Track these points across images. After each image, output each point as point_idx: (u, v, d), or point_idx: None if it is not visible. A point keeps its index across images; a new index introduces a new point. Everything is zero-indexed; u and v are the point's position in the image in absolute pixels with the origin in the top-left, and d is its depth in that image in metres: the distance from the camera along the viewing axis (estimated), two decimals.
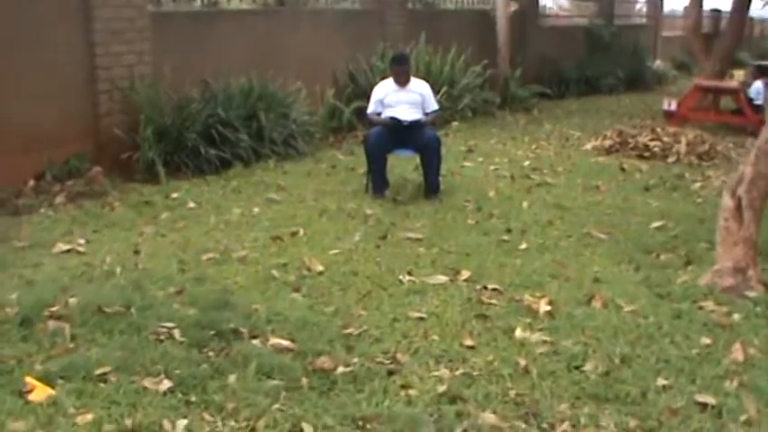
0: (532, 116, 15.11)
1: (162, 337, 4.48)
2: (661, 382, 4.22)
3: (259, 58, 11.07)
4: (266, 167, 9.43)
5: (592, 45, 20.67)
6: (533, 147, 11.64)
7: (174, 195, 8.08)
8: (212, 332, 4.58)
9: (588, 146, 11.75)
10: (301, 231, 6.85)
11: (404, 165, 9.24)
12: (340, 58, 12.78)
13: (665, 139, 11.30)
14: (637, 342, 4.72)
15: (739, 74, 15.55)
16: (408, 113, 8.24)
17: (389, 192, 8.23)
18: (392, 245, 6.59)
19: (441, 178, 8.45)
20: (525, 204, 8.08)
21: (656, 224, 7.45)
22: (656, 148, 11.08)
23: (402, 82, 8.35)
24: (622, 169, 10.11)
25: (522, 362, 4.38)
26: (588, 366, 4.36)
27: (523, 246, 6.65)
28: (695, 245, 6.83)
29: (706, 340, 4.77)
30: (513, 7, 17.02)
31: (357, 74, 12.84)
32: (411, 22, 14.39)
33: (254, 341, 4.55)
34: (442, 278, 5.76)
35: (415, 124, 8.14)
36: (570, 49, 19.70)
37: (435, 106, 8.66)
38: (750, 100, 14.78)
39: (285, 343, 4.52)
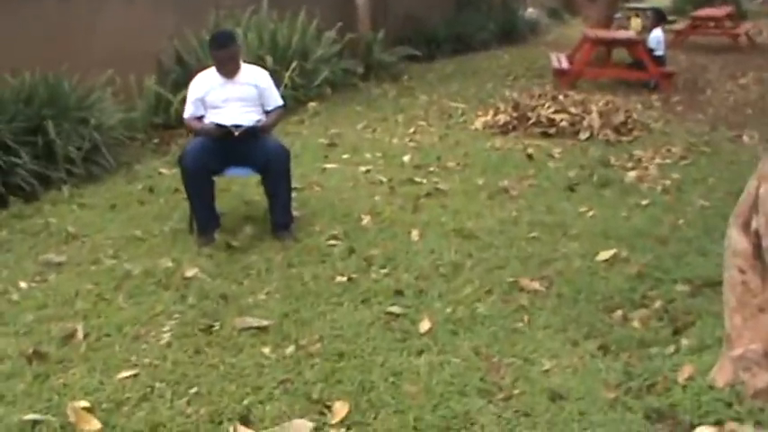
0: (403, 85, 12.79)
1: None
2: None
3: (52, 46, 8.45)
4: (58, 199, 6.81)
5: None
6: (411, 130, 9.31)
7: None
8: None
9: (478, 123, 9.52)
10: (80, 331, 4.30)
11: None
12: (163, 35, 10.17)
13: (572, 109, 9.16)
14: None
15: (636, 21, 13.59)
16: (241, 115, 5.81)
17: (220, 232, 5.75)
18: (221, 345, 4.13)
19: (294, 196, 6.07)
20: (415, 234, 5.73)
21: (605, 254, 5.23)
22: (563, 123, 8.93)
23: (229, 72, 5.87)
24: (529, 157, 7.91)
25: None
26: None
27: (425, 325, 4.28)
28: (671, 289, 4.68)
29: None
30: None
31: (186, 54, 10.25)
32: None
33: None
34: (303, 426, 3.39)
35: (252, 131, 5.72)
36: (437, 3, 17.43)
37: (279, 101, 6.18)
38: (650, 51, 12.87)
39: None
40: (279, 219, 5.76)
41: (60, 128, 7.30)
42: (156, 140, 9.03)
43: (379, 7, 14.64)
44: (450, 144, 8.58)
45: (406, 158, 7.92)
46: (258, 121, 5.87)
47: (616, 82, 12.87)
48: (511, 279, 4.88)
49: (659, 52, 13.06)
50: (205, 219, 5.74)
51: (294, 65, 10.60)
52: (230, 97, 5.87)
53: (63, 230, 6.03)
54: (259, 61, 10.50)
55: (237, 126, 5.67)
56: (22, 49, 8.04)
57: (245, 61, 6.20)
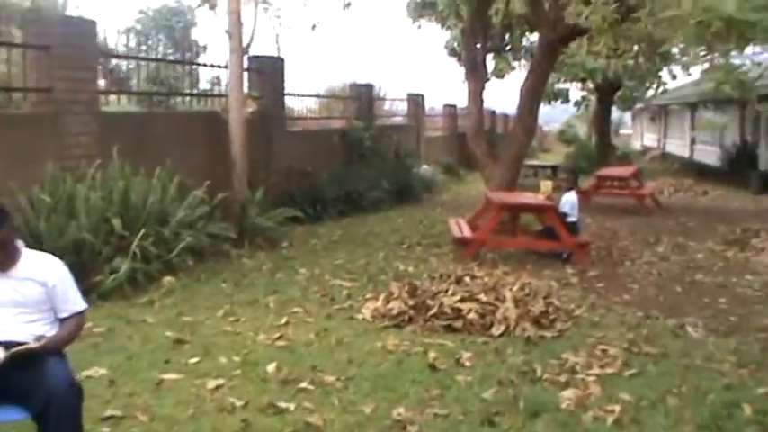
0: (281, 254, 10.95)
1: None
2: None
3: None
4: None
5: (350, 152, 17.05)
6: (283, 320, 7.41)
7: None
8: None
9: (366, 311, 7.71)
10: None
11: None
12: None
13: (482, 296, 7.44)
14: None
15: (547, 185, 12.19)
16: (14, 328, 3.93)
17: None
18: None
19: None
20: None
21: None
22: (471, 314, 7.18)
23: None
24: (432, 367, 6.08)
25: None
26: None
27: None
28: None
29: None
30: (251, 108, 13.09)
31: (13, 215, 8.22)
32: (105, 130, 10.02)
33: None
34: None
35: (27, 355, 3.80)
36: (325, 158, 15.91)
37: (77, 305, 4.26)
38: (563, 216, 11.45)
39: None
40: None
41: None
42: None
43: (259, 162, 13.02)
44: (331, 344, 6.69)
45: (271, 368, 5.95)
46: (40, 337, 3.95)
47: (524, 253, 11.37)
48: None
49: (572, 218, 11.64)
50: None
51: (143, 232, 8.73)
52: (0, 299, 3.97)
53: None
54: (105, 225, 8.69)
55: (7, 344, 3.77)
56: None
57: (28, 247, 4.31)
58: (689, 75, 31.43)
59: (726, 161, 26.57)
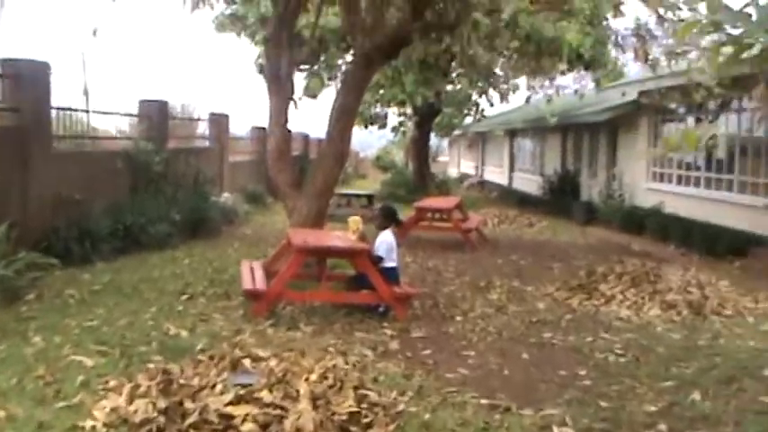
0: (18, 313, 8.33)
1: None
2: None
3: None
4: None
5: (136, 177, 14.46)
6: None
7: None
8: None
9: (100, 413, 5.27)
10: None
11: None
12: None
13: (265, 395, 5.18)
14: None
15: (355, 221, 10.13)
16: None
17: None
18: None
19: None
20: None
21: None
22: (247, 424, 4.90)
23: None
24: None
25: None
26: None
27: None
28: None
29: None
30: None
31: None
32: None
33: None
34: None
35: None
36: (106, 185, 13.30)
37: None
38: (378, 260, 9.42)
39: None
40: None
41: None
42: None
43: (12, 190, 10.45)
44: None
45: None
46: None
47: (328, 308, 9.23)
48: None
49: (390, 263, 9.59)
50: None
51: None
52: None
53: None
54: None
55: None
56: None
57: None
58: (507, 102, 30.54)
59: (547, 190, 25.56)
